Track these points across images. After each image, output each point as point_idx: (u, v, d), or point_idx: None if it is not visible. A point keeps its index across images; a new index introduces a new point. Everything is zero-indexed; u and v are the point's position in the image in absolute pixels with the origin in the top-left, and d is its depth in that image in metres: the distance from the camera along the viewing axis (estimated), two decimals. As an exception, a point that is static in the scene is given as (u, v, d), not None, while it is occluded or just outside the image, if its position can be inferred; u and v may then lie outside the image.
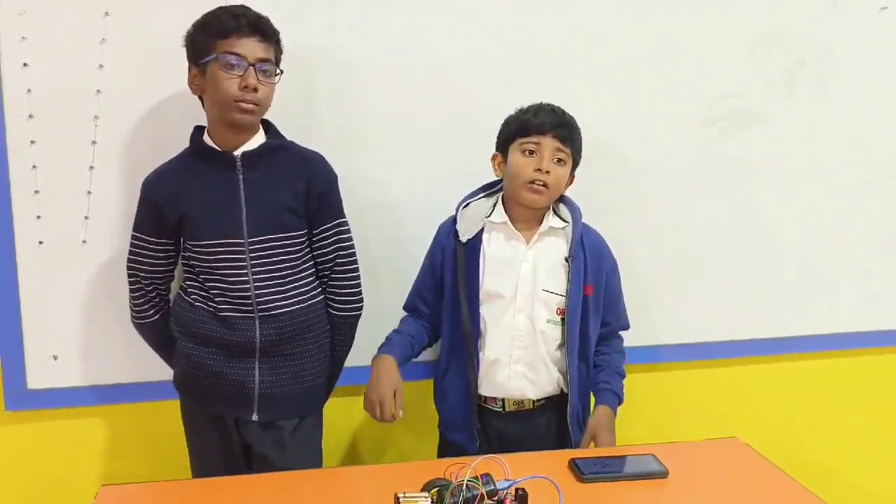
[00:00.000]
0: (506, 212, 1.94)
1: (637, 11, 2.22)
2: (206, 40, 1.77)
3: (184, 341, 1.91)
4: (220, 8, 1.80)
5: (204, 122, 1.88)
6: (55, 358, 2.10)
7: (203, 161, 1.86)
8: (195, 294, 1.89)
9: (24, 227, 2.03)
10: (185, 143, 1.89)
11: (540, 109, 1.90)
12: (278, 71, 1.83)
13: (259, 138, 1.87)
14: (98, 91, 2.01)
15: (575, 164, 1.94)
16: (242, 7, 1.80)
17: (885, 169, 2.44)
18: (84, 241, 2.06)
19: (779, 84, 2.34)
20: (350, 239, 1.97)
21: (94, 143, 2.03)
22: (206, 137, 1.86)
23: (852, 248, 2.45)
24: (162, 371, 2.02)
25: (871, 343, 2.52)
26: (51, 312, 2.07)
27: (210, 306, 1.87)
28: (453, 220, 1.96)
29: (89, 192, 2.05)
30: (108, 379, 2.13)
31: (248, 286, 1.85)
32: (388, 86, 2.13)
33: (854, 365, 2.53)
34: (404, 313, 2.05)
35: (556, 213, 1.96)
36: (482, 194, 1.98)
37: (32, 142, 2.00)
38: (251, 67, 1.76)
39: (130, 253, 1.93)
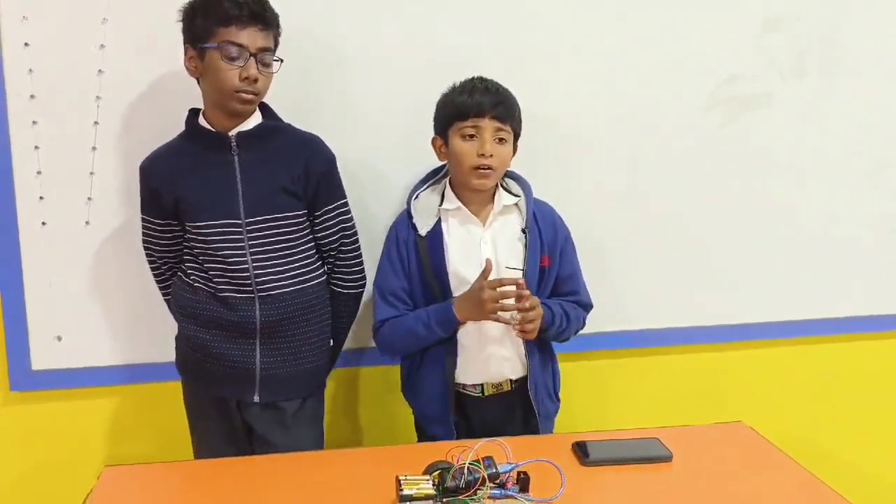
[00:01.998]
0: (457, 196, 1.90)
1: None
2: (206, 25, 1.74)
3: (185, 323, 1.91)
4: None
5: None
6: (59, 339, 2.10)
7: (198, 143, 1.85)
8: (195, 275, 1.89)
9: (27, 208, 2.03)
10: (189, 124, 1.88)
11: (475, 89, 1.84)
12: (277, 59, 1.81)
13: (255, 119, 1.85)
14: (100, 71, 1.99)
15: (516, 137, 1.90)
16: None
17: (894, 152, 2.41)
18: (87, 223, 2.06)
19: (786, 66, 2.30)
20: (352, 218, 1.97)
21: (96, 123, 2.02)
22: (201, 119, 1.85)
23: (859, 231, 2.42)
24: (165, 352, 2.02)
25: (877, 327, 2.50)
26: (54, 293, 2.07)
27: (210, 287, 1.86)
28: (407, 213, 1.92)
29: (92, 173, 2.04)
30: (112, 360, 2.13)
31: (246, 266, 1.84)
32: (385, 69, 2.10)
33: (860, 349, 2.51)
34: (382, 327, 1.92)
35: (505, 189, 1.93)
36: (428, 185, 1.95)
37: (34, 122, 1.99)
38: (252, 58, 1.75)
39: (142, 233, 1.94)
